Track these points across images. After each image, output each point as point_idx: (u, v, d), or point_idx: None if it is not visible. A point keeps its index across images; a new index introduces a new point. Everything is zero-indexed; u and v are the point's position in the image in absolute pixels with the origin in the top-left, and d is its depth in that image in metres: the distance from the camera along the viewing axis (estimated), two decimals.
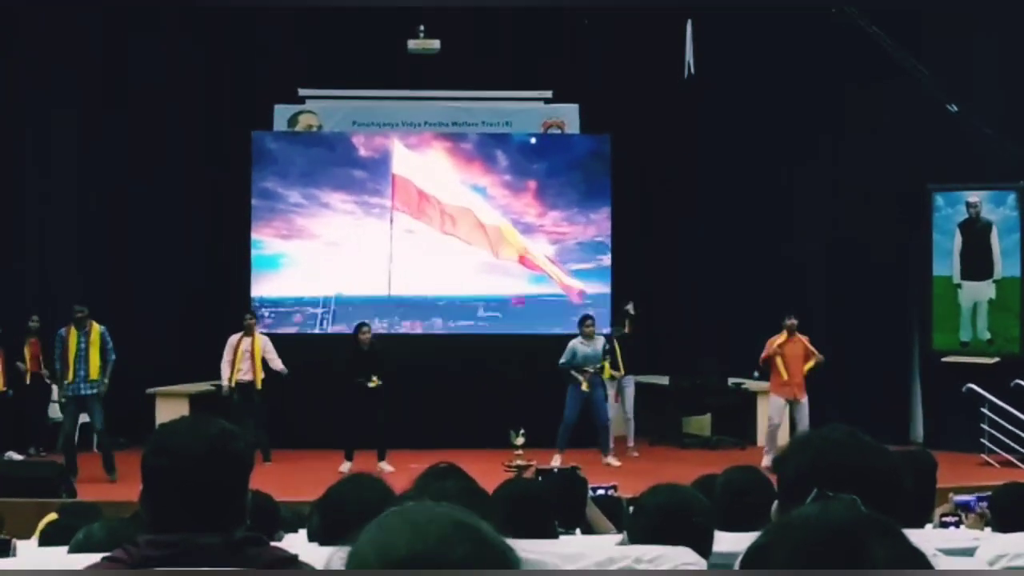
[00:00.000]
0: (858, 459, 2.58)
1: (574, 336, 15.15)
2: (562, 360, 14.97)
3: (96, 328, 14.29)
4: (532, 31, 17.60)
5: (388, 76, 17.60)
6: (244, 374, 15.25)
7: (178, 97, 17.55)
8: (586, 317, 15.28)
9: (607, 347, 15.19)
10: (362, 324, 15.23)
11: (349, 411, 14.73)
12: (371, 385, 14.57)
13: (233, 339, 15.30)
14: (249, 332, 15.34)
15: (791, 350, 14.78)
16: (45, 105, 17.00)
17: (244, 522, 2.87)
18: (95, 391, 14.27)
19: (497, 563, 1.64)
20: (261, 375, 15.27)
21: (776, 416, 14.83)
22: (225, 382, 15.23)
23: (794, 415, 14.80)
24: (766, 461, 13.76)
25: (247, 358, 15.25)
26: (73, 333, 14.21)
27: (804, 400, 14.76)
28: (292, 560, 2.89)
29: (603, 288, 17.32)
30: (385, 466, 14.31)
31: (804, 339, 14.88)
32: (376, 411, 14.62)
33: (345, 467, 14.36)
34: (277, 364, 15.32)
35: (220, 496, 2.84)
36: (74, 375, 14.21)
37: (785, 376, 14.74)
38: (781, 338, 14.79)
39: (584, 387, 14.85)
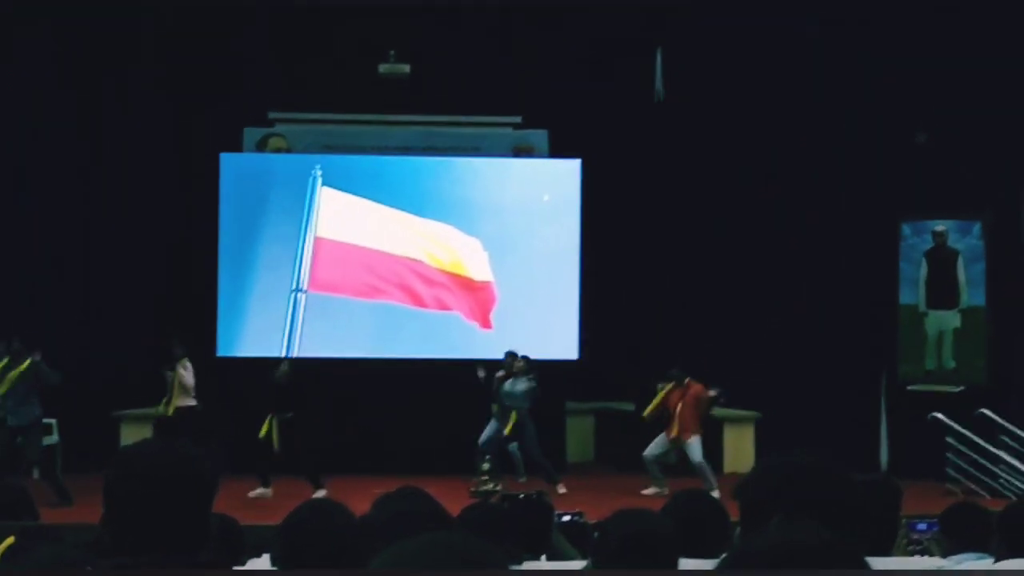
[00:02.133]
0: (822, 486, 2.58)
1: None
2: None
3: (27, 362, 14.07)
4: (502, 56, 17.63)
5: (359, 100, 17.61)
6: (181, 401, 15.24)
7: (148, 117, 17.51)
8: (509, 353, 15.49)
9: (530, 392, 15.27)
10: (280, 360, 15.34)
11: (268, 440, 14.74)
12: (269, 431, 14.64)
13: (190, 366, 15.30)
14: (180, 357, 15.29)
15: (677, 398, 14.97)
16: (11, 118, 16.94)
17: (208, 544, 2.85)
18: (23, 423, 14.09)
19: None
20: (176, 402, 15.20)
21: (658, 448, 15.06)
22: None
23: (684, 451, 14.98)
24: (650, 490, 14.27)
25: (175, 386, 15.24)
26: (5, 361, 14.07)
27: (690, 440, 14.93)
28: None
29: (571, 310, 17.32)
30: (267, 492, 14.44)
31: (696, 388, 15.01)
32: (295, 441, 14.60)
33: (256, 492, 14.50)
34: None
35: (184, 519, 2.81)
36: (1, 403, 14.05)
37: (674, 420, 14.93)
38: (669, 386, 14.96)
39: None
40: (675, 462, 15.33)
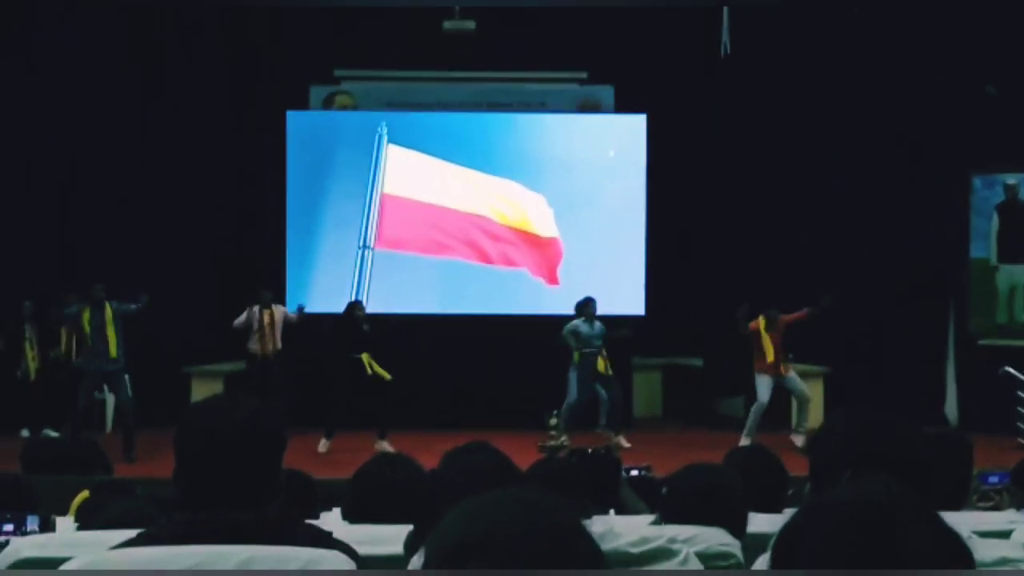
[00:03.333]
0: (894, 441, 2.56)
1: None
2: (564, 334, 15.03)
3: (108, 307, 14.25)
4: (567, 12, 17.53)
5: (423, 57, 17.60)
6: (262, 347, 15.34)
7: (214, 77, 17.61)
8: (588, 299, 15.20)
9: (604, 329, 15.13)
10: (355, 302, 15.22)
11: (341, 390, 14.66)
12: (369, 372, 14.54)
13: (253, 310, 15.40)
14: (266, 305, 15.41)
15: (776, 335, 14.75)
16: (80, 82, 17.07)
17: (278, 499, 2.88)
18: (116, 368, 14.30)
19: (576, 564, 1.61)
20: (279, 347, 15.38)
21: (765, 396, 14.75)
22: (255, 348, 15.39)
23: (786, 387, 14.75)
24: (745, 442, 13.80)
25: (264, 331, 15.32)
26: (86, 312, 14.20)
27: (791, 374, 14.74)
28: (327, 537, 2.90)
29: (637, 266, 17.31)
30: (385, 445, 14.23)
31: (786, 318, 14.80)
32: (375, 390, 14.56)
33: (323, 446, 14.45)
34: (291, 316, 15.56)
35: (254, 474, 2.85)
36: (93, 351, 14.22)
37: (770, 357, 14.68)
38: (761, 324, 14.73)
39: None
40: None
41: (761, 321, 14.69)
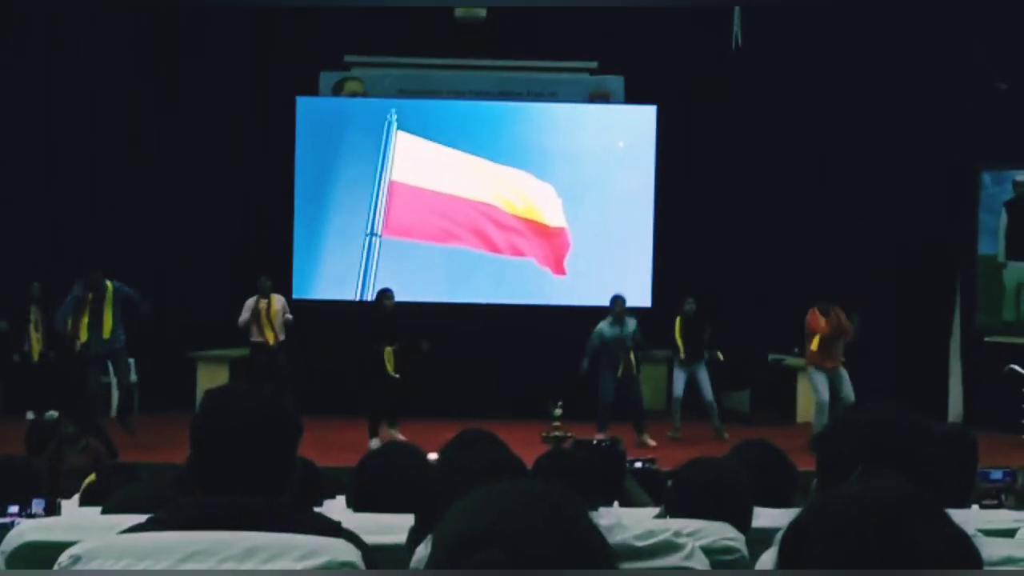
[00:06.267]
0: (903, 437, 2.56)
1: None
2: (590, 346, 14.93)
3: (109, 286, 14.27)
4: (579, 2, 17.49)
5: (434, 44, 17.58)
6: (264, 336, 15.35)
7: (226, 63, 17.60)
8: (616, 298, 15.10)
9: (636, 331, 15.06)
10: (384, 290, 15.09)
11: (372, 382, 14.61)
12: (389, 367, 14.51)
13: (250, 302, 15.38)
14: (265, 294, 15.39)
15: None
16: (91, 67, 17.09)
17: (291, 488, 2.90)
18: (117, 346, 14.29)
19: (583, 558, 1.61)
20: (281, 336, 15.38)
21: (824, 391, 14.56)
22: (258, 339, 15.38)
23: (834, 384, 14.58)
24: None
25: (264, 320, 15.32)
26: (89, 296, 14.20)
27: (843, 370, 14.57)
28: (335, 526, 2.91)
29: (645, 257, 17.32)
30: (396, 433, 14.21)
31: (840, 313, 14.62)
32: (394, 379, 14.54)
33: (374, 443, 14.06)
34: (287, 317, 15.49)
35: (269, 460, 2.87)
36: (88, 336, 14.24)
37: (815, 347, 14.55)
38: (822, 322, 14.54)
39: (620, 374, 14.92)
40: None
41: (815, 313, 14.52)
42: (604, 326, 14.92)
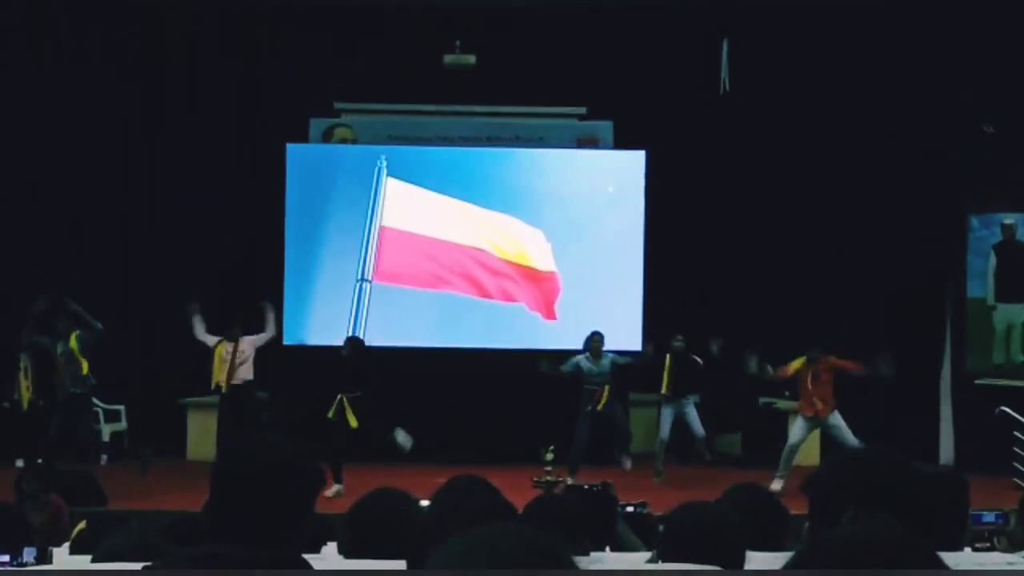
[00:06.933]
0: (894, 480, 2.56)
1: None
2: (563, 368, 15.01)
3: (74, 336, 14.24)
4: (567, 47, 17.58)
5: (423, 90, 17.64)
6: (224, 379, 15.18)
7: (215, 109, 17.64)
8: (593, 334, 15.22)
9: (615, 358, 15.17)
10: (349, 337, 15.16)
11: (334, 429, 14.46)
12: (348, 415, 14.41)
13: (212, 341, 15.23)
14: (234, 338, 15.21)
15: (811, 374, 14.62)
16: (80, 108, 17.12)
17: (302, 542, 2.89)
18: (78, 390, 14.25)
19: None
20: (249, 377, 15.13)
21: (796, 436, 14.71)
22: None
23: (833, 435, 14.56)
24: (775, 485, 13.79)
25: (225, 363, 15.17)
26: (57, 344, 14.25)
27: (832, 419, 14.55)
28: None
29: (635, 301, 17.33)
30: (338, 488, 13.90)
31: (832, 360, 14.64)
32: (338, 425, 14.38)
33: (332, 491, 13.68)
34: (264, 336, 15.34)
35: (286, 514, 2.85)
36: (63, 380, 14.25)
37: (804, 397, 14.61)
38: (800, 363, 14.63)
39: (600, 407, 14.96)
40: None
41: (798, 362, 14.62)
42: (581, 359, 15.06)
